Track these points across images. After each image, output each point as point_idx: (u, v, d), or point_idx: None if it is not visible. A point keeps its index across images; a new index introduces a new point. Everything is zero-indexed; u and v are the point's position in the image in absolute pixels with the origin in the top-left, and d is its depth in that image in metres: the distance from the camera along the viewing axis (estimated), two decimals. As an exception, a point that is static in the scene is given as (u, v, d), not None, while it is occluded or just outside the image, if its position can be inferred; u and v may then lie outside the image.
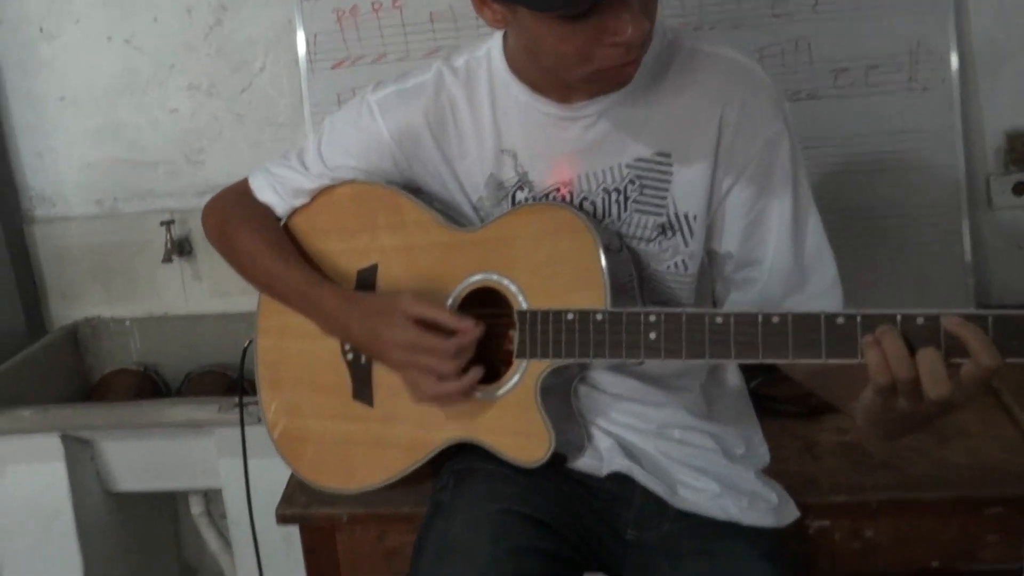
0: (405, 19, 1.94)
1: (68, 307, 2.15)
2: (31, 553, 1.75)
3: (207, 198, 2.07)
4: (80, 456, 1.73)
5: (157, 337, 2.11)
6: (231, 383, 2.03)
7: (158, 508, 2.12)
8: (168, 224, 2.03)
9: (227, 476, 1.68)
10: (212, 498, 2.06)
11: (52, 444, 1.69)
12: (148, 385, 2.06)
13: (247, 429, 1.53)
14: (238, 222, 1.31)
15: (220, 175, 2.07)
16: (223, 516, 2.08)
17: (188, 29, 2.01)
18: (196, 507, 2.04)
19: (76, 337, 2.11)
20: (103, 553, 1.82)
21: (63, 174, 2.11)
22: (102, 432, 1.71)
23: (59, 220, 2.12)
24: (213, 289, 2.10)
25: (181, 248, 2.05)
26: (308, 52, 1.94)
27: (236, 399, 1.57)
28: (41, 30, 2.04)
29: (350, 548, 1.34)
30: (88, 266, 2.12)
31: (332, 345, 1.26)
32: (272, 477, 1.50)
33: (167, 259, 2.02)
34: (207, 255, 2.07)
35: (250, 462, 1.57)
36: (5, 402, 1.75)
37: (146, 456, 1.77)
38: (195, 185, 2.08)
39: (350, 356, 1.25)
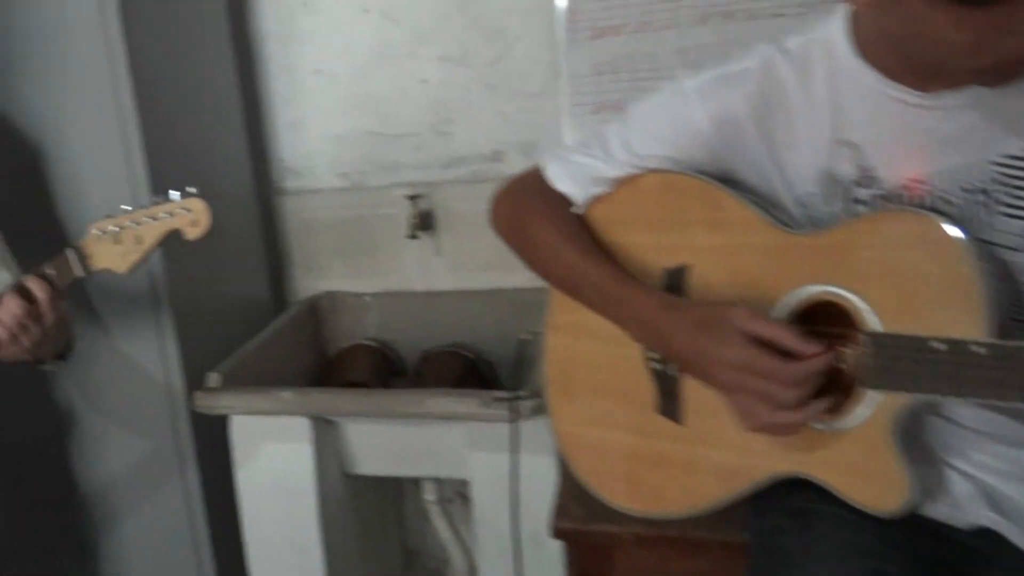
0: (675, -16, 1.81)
1: (310, 280, 2.15)
2: (274, 530, 1.75)
3: (452, 171, 2.10)
4: (326, 437, 1.71)
5: (394, 313, 2.08)
6: (469, 364, 1.97)
7: (383, 489, 2.10)
8: (414, 199, 1.99)
9: (477, 470, 1.62)
10: (442, 484, 2.03)
11: (302, 425, 1.67)
12: (383, 362, 2.04)
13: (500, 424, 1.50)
14: (534, 212, 1.22)
15: (466, 147, 2.02)
16: (449, 501, 2.07)
17: (445, -1, 1.95)
18: (429, 494, 2.00)
19: (316, 310, 2.10)
20: (339, 533, 1.81)
21: (313, 146, 2.10)
22: (350, 415, 1.69)
23: (307, 193, 2.11)
24: (453, 265, 2.05)
25: (424, 223, 2.01)
26: (567, 22, 1.84)
27: (498, 393, 1.51)
28: (303, 3, 2.02)
29: (628, 570, 1.24)
30: (331, 239, 2.11)
31: (634, 351, 1.15)
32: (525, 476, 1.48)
33: (412, 235, 1.98)
34: (449, 230, 2.02)
35: (503, 457, 1.52)
36: (252, 374, 1.75)
37: (390, 441, 1.73)
38: (440, 158, 2.03)
39: (656, 365, 1.14)
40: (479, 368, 1.98)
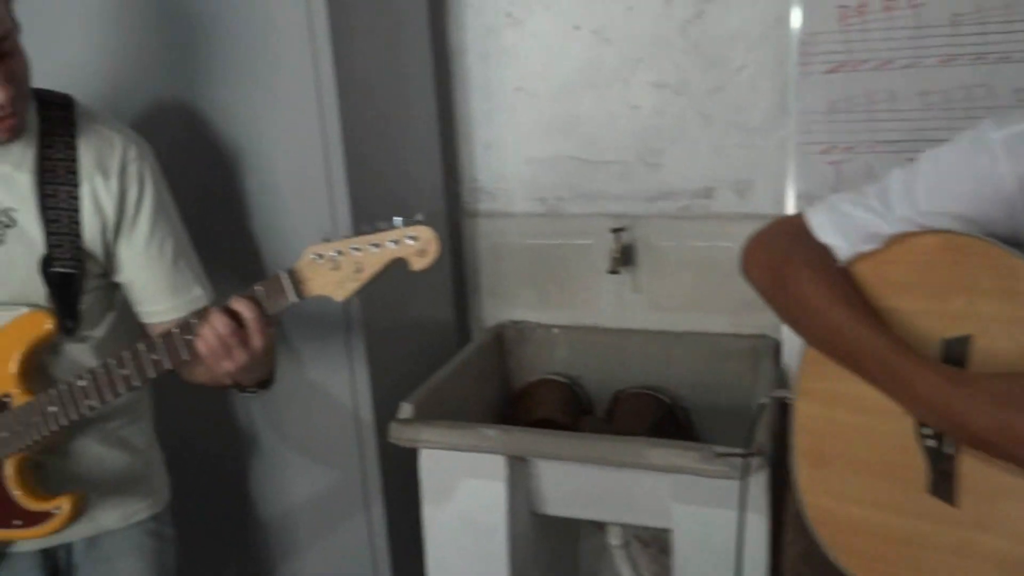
0: (922, 20, 1.64)
1: (495, 307, 2.06)
2: (460, 567, 1.66)
3: (658, 205, 1.97)
4: (518, 475, 1.62)
5: (584, 348, 1.97)
6: (664, 409, 1.85)
7: (564, 529, 1.99)
8: (617, 231, 1.87)
9: (683, 522, 1.50)
10: (626, 527, 1.90)
11: (497, 463, 1.58)
12: (572, 399, 1.93)
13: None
14: (797, 264, 1.09)
15: (675, 180, 1.90)
16: (629, 544, 1.94)
17: (664, 21, 1.83)
18: (614, 538, 1.89)
19: (501, 340, 2.01)
20: (526, 573, 1.71)
21: (508, 168, 2.02)
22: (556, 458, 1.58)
23: (499, 216, 2.03)
24: (650, 303, 1.93)
25: (625, 257, 1.89)
26: (799, 53, 1.69)
27: (722, 449, 1.39)
28: (509, 15, 1.94)
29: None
30: (521, 266, 2.02)
31: (905, 425, 1.02)
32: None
33: (613, 270, 1.87)
34: (650, 267, 1.91)
35: (717, 513, 1.41)
36: (441, 405, 1.68)
37: (585, 483, 1.61)
38: (646, 190, 1.91)
39: (931, 442, 1.00)
40: (675, 414, 1.85)
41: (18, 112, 1.20)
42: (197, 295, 1.37)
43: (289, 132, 1.59)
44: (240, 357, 1.22)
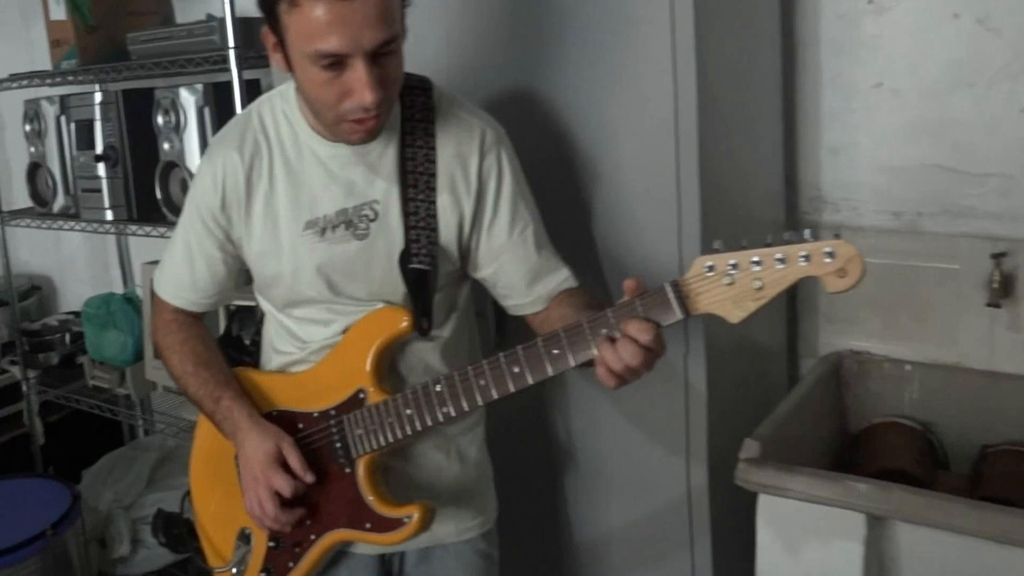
0: None
1: (833, 334, 1.81)
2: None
3: None
4: (874, 538, 1.37)
5: (942, 390, 1.69)
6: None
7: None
8: (998, 257, 1.58)
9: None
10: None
11: (855, 521, 1.34)
12: (927, 450, 1.65)
13: None
14: None
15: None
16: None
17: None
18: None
19: (839, 372, 1.76)
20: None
21: (859, 176, 1.77)
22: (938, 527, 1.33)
23: (843, 229, 1.77)
24: (1031, 346, 1.62)
25: (1005, 288, 1.59)
26: None
27: None
28: (871, 2, 1.69)
29: None
30: (867, 289, 1.74)
31: None
32: None
33: (993, 302, 1.58)
34: (1034, 302, 1.60)
35: None
36: (779, 443, 1.45)
37: (954, 557, 1.34)
38: (1036, 210, 1.61)
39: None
40: None
41: (381, 114, 1.13)
42: (564, 276, 1.27)
43: (640, 131, 1.45)
44: (627, 380, 1.07)
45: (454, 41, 1.56)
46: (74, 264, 3.22)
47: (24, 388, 2.80)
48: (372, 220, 1.20)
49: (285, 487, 1.21)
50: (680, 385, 1.49)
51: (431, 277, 1.20)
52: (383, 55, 1.08)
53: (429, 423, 1.17)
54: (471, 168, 1.21)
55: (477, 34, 1.54)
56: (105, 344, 2.54)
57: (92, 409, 2.67)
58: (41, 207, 2.61)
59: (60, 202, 2.54)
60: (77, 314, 2.80)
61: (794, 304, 1.83)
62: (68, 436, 2.87)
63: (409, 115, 1.21)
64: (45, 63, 2.55)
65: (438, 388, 1.16)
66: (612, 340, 1.05)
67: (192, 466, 1.45)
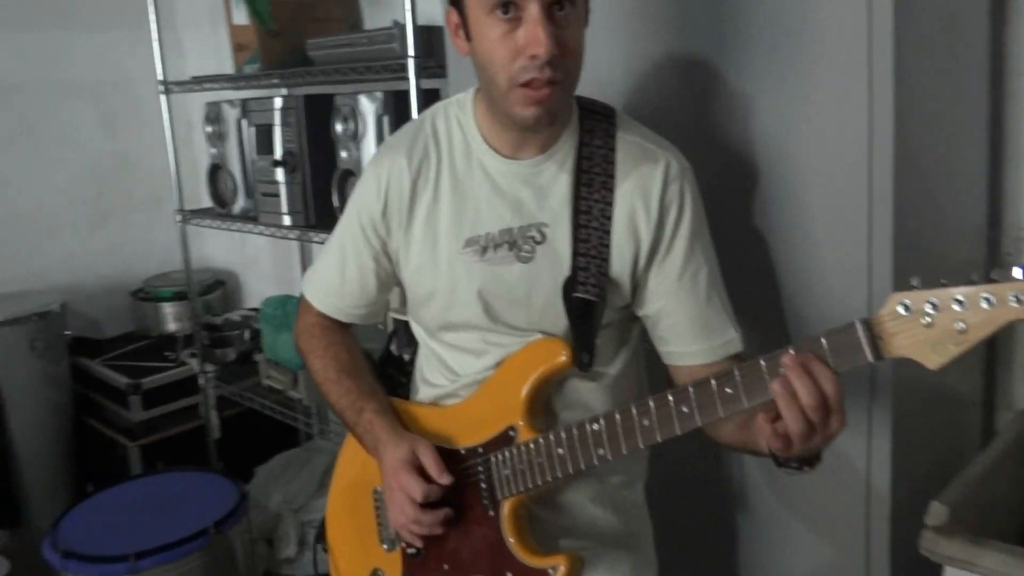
0: None
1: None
2: None
3: None
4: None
5: None
6: None
7: None
8: None
9: None
10: None
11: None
12: None
13: None
14: None
15: None
16: None
17: None
18: None
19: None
20: None
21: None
22: None
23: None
24: None
25: None
26: None
27: None
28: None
29: None
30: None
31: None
32: None
33: None
34: None
35: None
36: (968, 509, 1.31)
37: None
38: None
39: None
40: None
41: (555, 89, 1.07)
42: (731, 338, 1.17)
43: (828, 160, 1.34)
44: (811, 439, 0.97)
45: (634, 68, 1.50)
46: (258, 262, 3.34)
47: (201, 382, 2.92)
48: (538, 243, 1.15)
49: (416, 489, 1.15)
50: (863, 434, 1.37)
51: (597, 309, 1.13)
52: (559, 14, 1.05)
53: (583, 466, 1.10)
54: (652, 198, 1.15)
55: (657, 59, 1.48)
56: (280, 346, 2.60)
57: (264, 410, 2.72)
58: (221, 208, 2.72)
59: (240, 204, 2.63)
60: (259, 310, 2.90)
61: (991, 350, 1.67)
62: (243, 432, 2.96)
63: (588, 140, 1.16)
64: (229, 67, 2.65)
65: (595, 427, 1.08)
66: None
67: (332, 496, 1.42)
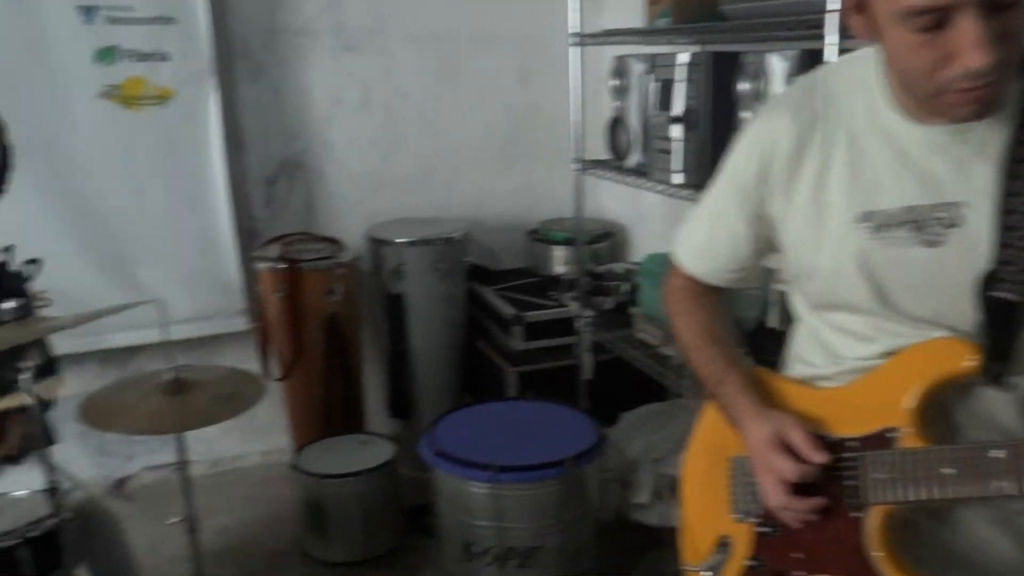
0: None
1: None
2: None
3: None
4: None
5: None
6: None
7: None
8: None
9: None
10: None
11: None
12: None
13: None
14: None
15: None
16: None
17: None
18: None
19: None
20: None
21: None
22: None
23: None
24: None
25: None
26: None
27: None
28: None
29: None
30: None
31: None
32: None
33: None
34: None
35: None
36: None
37: None
38: None
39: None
40: None
41: (997, 82, 0.89)
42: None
43: None
44: None
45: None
46: (648, 218, 3.40)
47: (578, 325, 3.04)
48: (950, 226, 0.99)
49: (788, 469, 1.07)
50: None
51: (1019, 312, 0.96)
52: (1004, 5, 0.85)
53: (974, 494, 0.95)
54: None
55: None
56: (656, 301, 2.60)
57: (634, 361, 2.77)
58: (617, 160, 2.76)
59: (635, 158, 2.66)
60: (640, 264, 2.94)
61: None
62: (611, 378, 3.05)
63: None
64: (638, 20, 2.66)
65: (998, 455, 0.93)
66: None
67: (688, 456, 1.40)
